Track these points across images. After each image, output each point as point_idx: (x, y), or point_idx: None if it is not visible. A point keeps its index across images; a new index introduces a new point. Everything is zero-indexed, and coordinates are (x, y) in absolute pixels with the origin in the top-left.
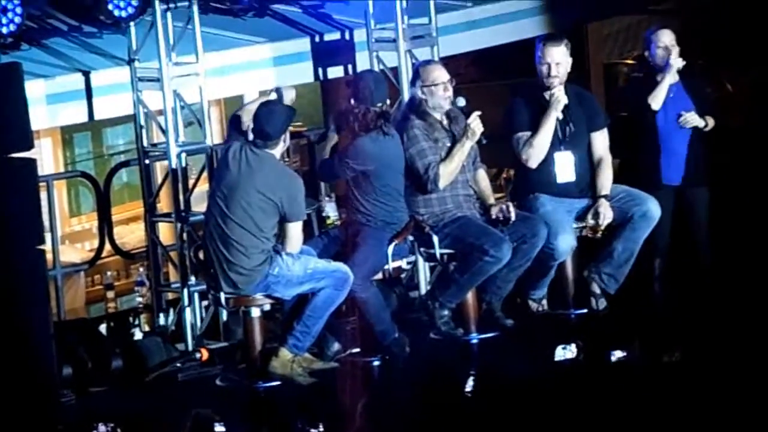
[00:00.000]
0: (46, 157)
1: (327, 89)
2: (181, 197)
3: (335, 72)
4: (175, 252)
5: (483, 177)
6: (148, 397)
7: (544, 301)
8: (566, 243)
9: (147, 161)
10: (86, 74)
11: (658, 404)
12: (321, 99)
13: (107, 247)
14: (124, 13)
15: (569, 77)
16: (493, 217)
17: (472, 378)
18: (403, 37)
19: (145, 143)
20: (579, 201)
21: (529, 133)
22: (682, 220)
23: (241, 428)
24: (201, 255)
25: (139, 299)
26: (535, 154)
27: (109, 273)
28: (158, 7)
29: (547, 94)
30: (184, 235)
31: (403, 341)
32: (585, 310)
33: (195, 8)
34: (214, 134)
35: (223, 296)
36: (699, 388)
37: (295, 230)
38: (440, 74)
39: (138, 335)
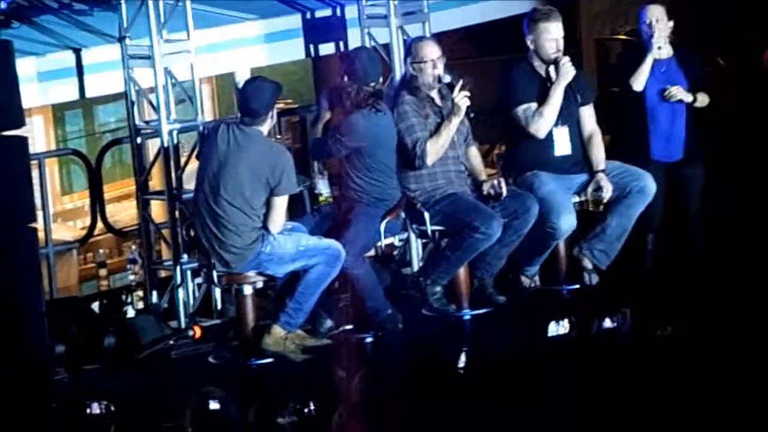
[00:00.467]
0: (38, 135)
1: (318, 66)
2: (173, 175)
3: (327, 49)
4: (168, 230)
5: (475, 154)
6: (141, 375)
7: (536, 277)
8: (568, 223)
9: (139, 139)
10: (77, 52)
11: (650, 379)
12: (312, 76)
13: (99, 225)
14: None
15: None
16: (485, 193)
17: (464, 354)
18: (395, 14)
19: (136, 121)
20: (577, 177)
21: (535, 104)
22: (675, 196)
23: (235, 405)
24: (193, 233)
25: (132, 277)
26: (545, 124)
27: (101, 251)
28: None
29: (552, 67)
30: (177, 213)
31: (396, 318)
32: (577, 286)
33: None
34: (206, 111)
35: (215, 274)
36: (691, 362)
37: (280, 205)
38: (430, 51)
39: (131, 313)
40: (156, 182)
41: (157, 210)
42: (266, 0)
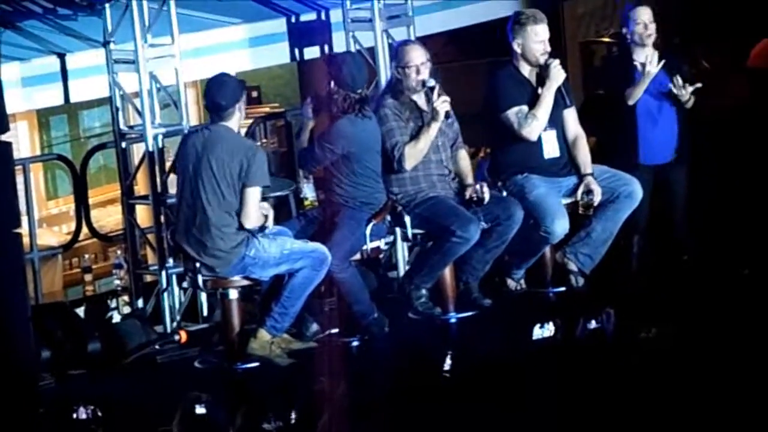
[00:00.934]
0: (23, 140)
1: (304, 70)
2: (158, 179)
3: (311, 52)
4: (153, 234)
5: (464, 157)
6: (127, 380)
7: (522, 280)
8: (561, 227)
9: (123, 144)
10: (62, 57)
11: (635, 381)
12: (298, 80)
13: (84, 230)
14: None
15: None
16: (467, 197)
17: (450, 357)
18: (380, 17)
19: (121, 126)
20: (565, 180)
21: (526, 107)
22: (661, 198)
23: (221, 409)
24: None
25: (117, 282)
26: (538, 126)
27: (86, 256)
28: None
29: (536, 71)
30: (162, 217)
31: (382, 321)
32: (563, 288)
33: None
34: (191, 116)
35: (200, 278)
36: (676, 364)
37: (252, 196)
38: (414, 56)
39: (116, 318)
40: (141, 187)
41: (143, 214)
42: (251, 4)
